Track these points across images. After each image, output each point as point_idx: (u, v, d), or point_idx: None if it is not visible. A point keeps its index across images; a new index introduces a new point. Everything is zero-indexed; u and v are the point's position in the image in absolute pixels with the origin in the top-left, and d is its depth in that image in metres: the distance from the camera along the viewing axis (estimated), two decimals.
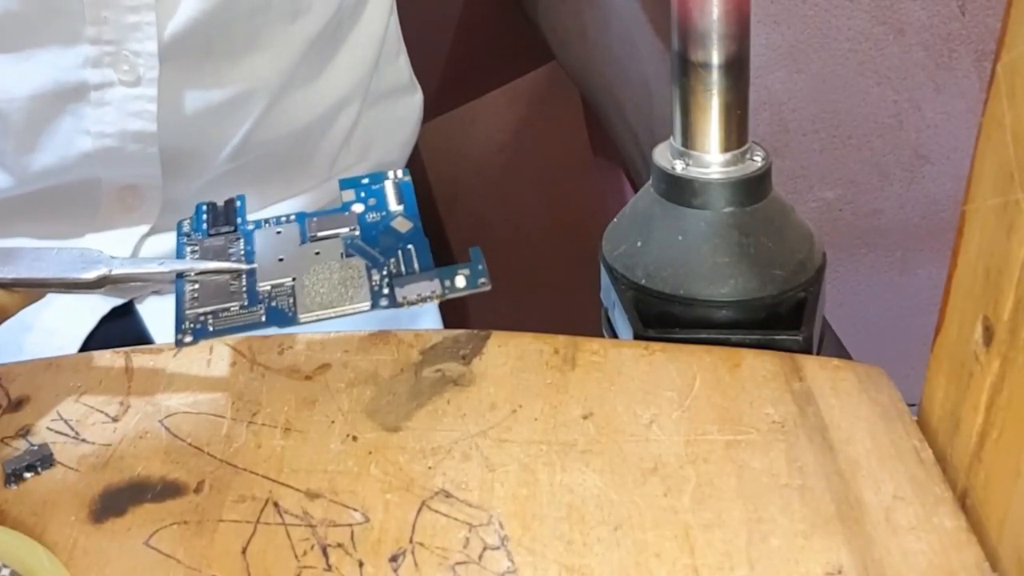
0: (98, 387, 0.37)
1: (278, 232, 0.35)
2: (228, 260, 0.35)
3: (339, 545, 0.31)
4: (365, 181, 0.36)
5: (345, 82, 0.60)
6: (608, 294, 0.40)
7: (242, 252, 0.35)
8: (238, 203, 0.37)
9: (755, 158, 0.39)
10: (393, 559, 0.30)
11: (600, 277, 0.41)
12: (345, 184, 0.36)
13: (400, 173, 0.36)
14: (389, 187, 0.36)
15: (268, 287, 0.33)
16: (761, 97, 1.05)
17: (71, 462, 0.34)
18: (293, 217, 0.36)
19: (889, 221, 1.13)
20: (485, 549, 0.30)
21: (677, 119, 0.38)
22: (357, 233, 0.34)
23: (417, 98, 0.67)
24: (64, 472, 0.34)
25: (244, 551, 0.31)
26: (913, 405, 0.35)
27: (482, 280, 0.32)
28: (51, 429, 0.35)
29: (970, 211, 0.31)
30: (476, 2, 0.75)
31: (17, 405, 0.36)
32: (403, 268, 0.33)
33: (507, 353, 0.37)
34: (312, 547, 0.31)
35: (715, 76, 0.37)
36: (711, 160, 0.38)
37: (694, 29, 0.36)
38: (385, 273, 0.33)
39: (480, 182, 1.06)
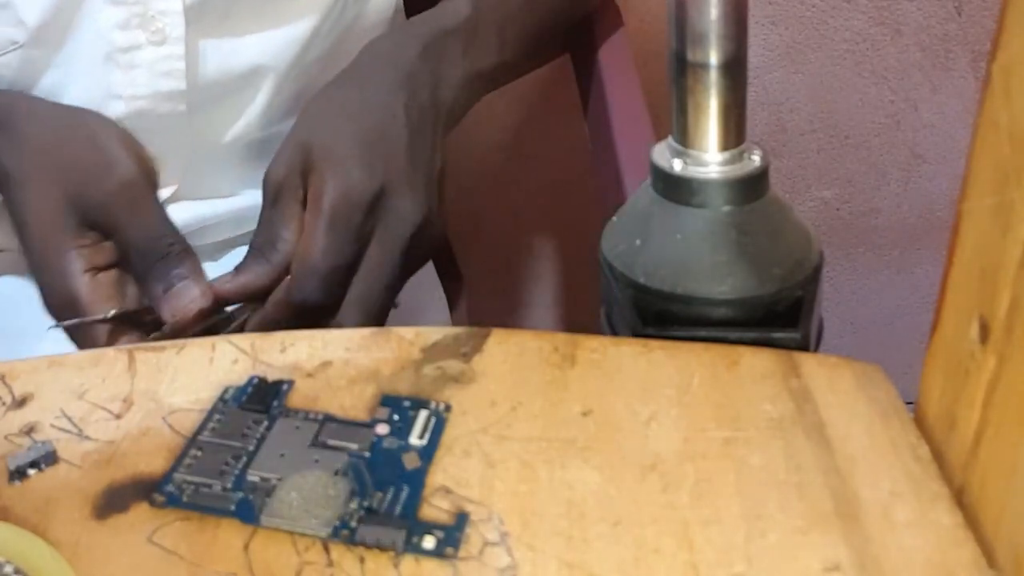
0: (101, 384, 0.37)
1: (297, 427, 0.35)
2: (240, 439, 0.34)
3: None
4: (407, 404, 0.35)
5: None
6: (607, 292, 0.41)
7: (257, 435, 0.35)
8: (284, 387, 0.37)
9: (753, 157, 0.39)
10: (394, 555, 0.30)
11: (599, 275, 0.41)
12: (386, 401, 0.36)
13: (443, 407, 0.35)
14: (423, 417, 0.35)
15: (257, 478, 0.33)
16: (759, 97, 1.06)
17: (74, 459, 0.34)
18: (321, 416, 0.35)
19: (886, 220, 1.14)
20: (485, 545, 0.30)
21: (675, 118, 0.39)
22: (366, 455, 0.34)
23: None
24: (67, 469, 0.34)
25: (246, 547, 0.31)
26: (910, 403, 0.35)
27: (449, 550, 0.30)
28: (54, 426, 0.35)
29: (966, 210, 0.31)
30: None
31: (21, 402, 0.36)
32: (383, 506, 0.32)
33: (507, 351, 0.38)
34: (313, 543, 0.31)
35: (713, 76, 0.37)
36: (709, 159, 0.38)
37: (692, 29, 0.37)
38: (366, 504, 0.32)
39: (480, 181, 1.06)
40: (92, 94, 0.54)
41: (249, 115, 0.58)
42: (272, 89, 0.58)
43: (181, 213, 0.59)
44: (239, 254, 0.63)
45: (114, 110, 0.54)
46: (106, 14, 0.52)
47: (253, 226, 0.62)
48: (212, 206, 0.60)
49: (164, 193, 0.57)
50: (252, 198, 0.61)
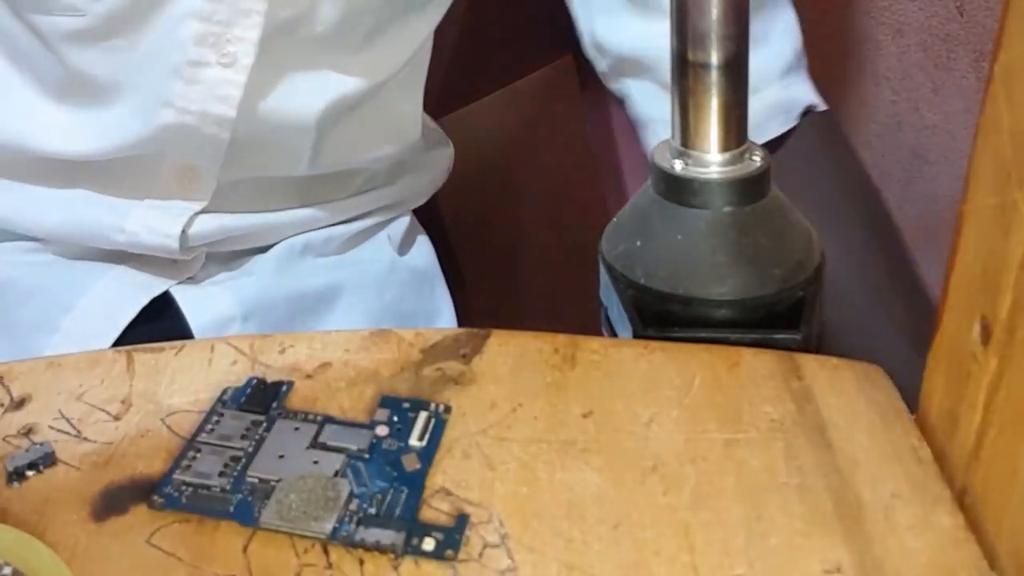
0: (100, 386, 0.37)
1: (296, 428, 0.35)
2: (239, 441, 0.34)
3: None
4: (406, 405, 0.35)
5: (382, 132, 0.63)
6: (607, 293, 0.41)
7: (256, 437, 0.34)
8: (284, 388, 0.36)
9: (754, 158, 0.39)
10: (394, 557, 0.30)
11: (599, 276, 0.41)
12: (386, 402, 0.35)
13: (442, 408, 0.35)
14: (422, 419, 0.35)
15: (256, 479, 0.33)
16: None
17: (73, 460, 0.34)
18: (320, 418, 0.35)
19: None
20: (485, 547, 0.30)
21: (676, 119, 0.39)
22: (366, 456, 0.33)
23: (448, 151, 0.71)
24: (66, 471, 0.34)
25: (245, 549, 0.31)
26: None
27: (449, 552, 0.30)
28: (53, 428, 0.35)
29: (968, 211, 0.31)
30: (478, 4, 0.75)
31: (19, 404, 0.36)
32: (383, 508, 0.32)
33: (507, 352, 0.37)
34: (313, 545, 0.31)
35: (714, 76, 0.37)
36: (710, 160, 0.38)
37: (693, 29, 0.37)
38: (365, 506, 0.32)
39: (481, 182, 1.06)
40: (148, 94, 0.54)
41: (287, 159, 0.59)
42: (315, 138, 0.58)
43: (207, 223, 0.59)
44: (255, 262, 0.63)
45: (163, 117, 0.54)
46: (187, 25, 0.53)
47: (276, 238, 0.63)
48: (238, 219, 0.60)
49: (193, 208, 0.58)
50: (283, 215, 0.62)
